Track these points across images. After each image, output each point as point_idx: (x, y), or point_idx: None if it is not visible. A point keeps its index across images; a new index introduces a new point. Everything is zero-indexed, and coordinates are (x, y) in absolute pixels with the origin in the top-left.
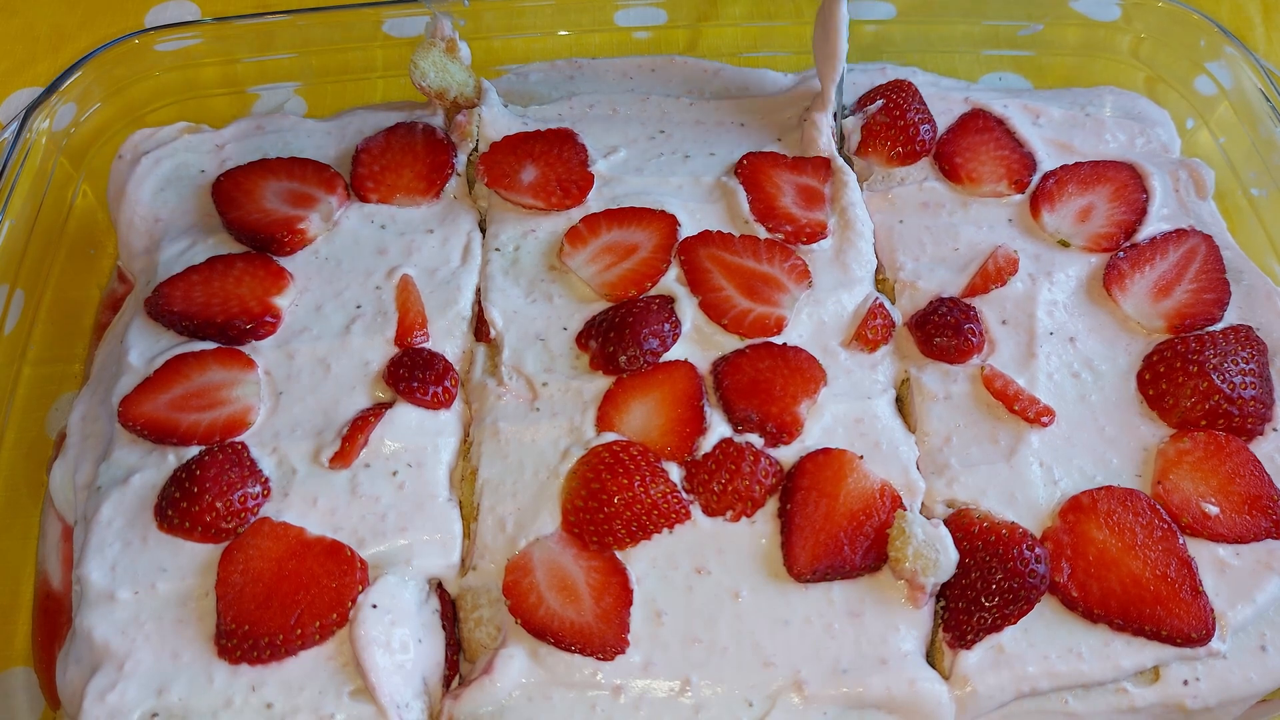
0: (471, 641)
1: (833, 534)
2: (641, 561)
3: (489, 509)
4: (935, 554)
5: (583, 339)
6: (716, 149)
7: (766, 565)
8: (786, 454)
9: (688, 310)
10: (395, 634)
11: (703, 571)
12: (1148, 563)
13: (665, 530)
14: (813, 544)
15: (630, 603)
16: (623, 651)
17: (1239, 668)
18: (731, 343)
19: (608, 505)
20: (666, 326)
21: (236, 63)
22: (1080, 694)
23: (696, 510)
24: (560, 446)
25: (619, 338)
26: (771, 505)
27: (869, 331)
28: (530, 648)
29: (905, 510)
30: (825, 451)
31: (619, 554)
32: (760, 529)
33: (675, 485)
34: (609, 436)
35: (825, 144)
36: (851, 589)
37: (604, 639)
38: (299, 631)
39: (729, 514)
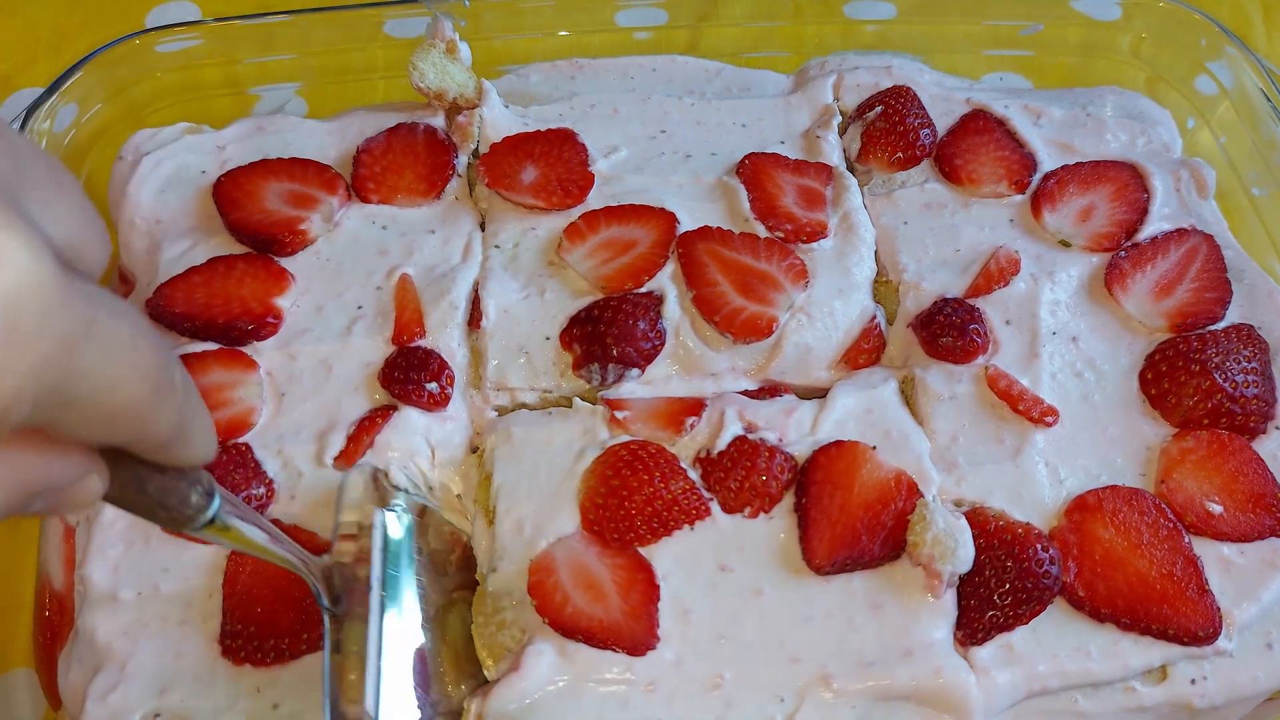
0: (495, 645)
1: (849, 525)
2: (665, 559)
3: (505, 512)
4: (954, 543)
5: (566, 338)
6: (717, 149)
7: (786, 561)
8: (800, 447)
9: (676, 309)
10: None
11: (726, 569)
12: (1154, 562)
13: (686, 527)
14: (830, 536)
15: (657, 598)
16: (654, 647)
17: (1245, 666)
18: (720, 361)
19: (628, 500)
20: (644, 324)
21: (237, 63)
22: (1089, 693)
23: (715, 508)
24: (575, 448)
25: (601, 342)
26: (788, 500)
27: (860, 358)
28: (559, 645)
29: (926, 499)
30: (838, 444)
31: (644, 552)
32: (778, 524)
33: (694, 482)
34: (624, 437)
35: (837, 161)
36: (872, 581)
37: (634, 635)
38: (305, 635)
39: (747, 510)
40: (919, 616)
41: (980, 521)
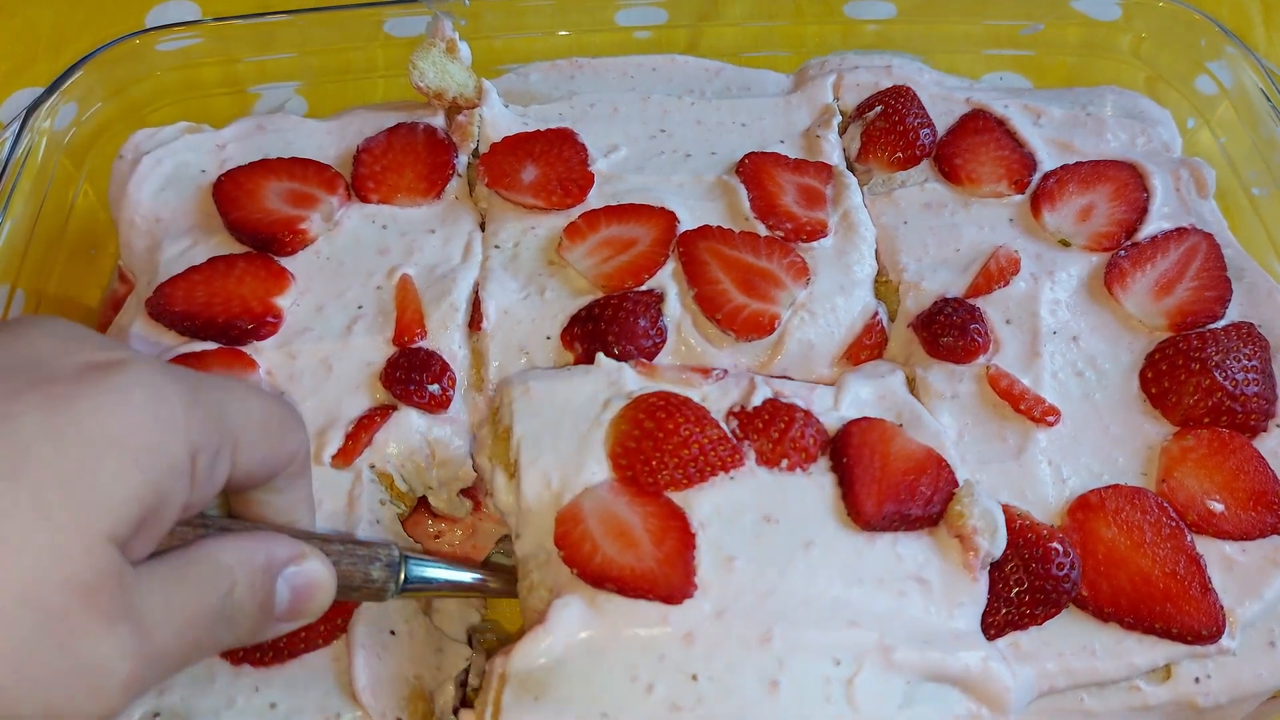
0: (528, 611)
1: (892, 483)
2: (705, 506)
3: (529, 464)
4: (995, 523)
5: (567, 337)
6: (718, 148)
7: (835, 517)
8: (828, 420)
9: (677, 307)
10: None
11: (771, 520)
12: (1156, 561)
13: (724, 475)
14: (877, 490)
15: (693, 545)
16: (690, 595)
17: (1249, 665)
18: (723, 358)
19: (664, 443)
20: (645, 322)
21: (237, 62)
22: (1095, 692)
23: (751, 462)
24: (600, 398)
25: (602, 340)
26: (823, 462)
27: (862, 353)
28: (588, 596)
29: (969, 479)
30: (867, 419)
31: (679, 501)
32: (819, 480)
33: (727, 432)
34: (651, 387)
35: (837, 160)
36: (917, 549)
37: (669, 582)
38: (302, 634)
39: (784, 463)
40: (960, 599)
41: (1006, 518)
